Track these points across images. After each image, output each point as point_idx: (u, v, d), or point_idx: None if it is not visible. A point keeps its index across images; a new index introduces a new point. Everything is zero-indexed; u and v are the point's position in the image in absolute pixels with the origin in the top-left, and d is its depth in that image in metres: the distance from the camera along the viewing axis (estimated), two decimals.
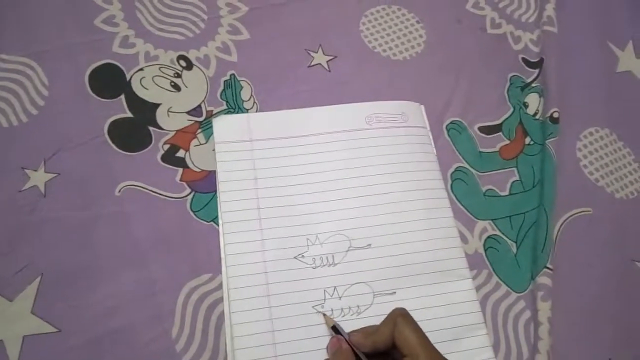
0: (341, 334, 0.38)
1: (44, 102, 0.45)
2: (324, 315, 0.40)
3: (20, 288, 0.38)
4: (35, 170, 0.43)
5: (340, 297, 0.41)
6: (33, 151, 0.43)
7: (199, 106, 0.48)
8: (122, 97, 0.47)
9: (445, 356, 0.34)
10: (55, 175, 0.43)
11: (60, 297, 0.39)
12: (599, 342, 0.44)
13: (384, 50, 0.54)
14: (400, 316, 0.35)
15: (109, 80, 0.47)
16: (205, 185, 0.44)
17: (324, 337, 0.39)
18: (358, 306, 0.41)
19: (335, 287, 0.41)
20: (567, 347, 0.43)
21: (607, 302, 0.45)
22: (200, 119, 0.47)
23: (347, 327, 0.39)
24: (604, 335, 0.44)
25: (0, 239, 0.40)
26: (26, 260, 0.39)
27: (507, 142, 0.52)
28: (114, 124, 0.46)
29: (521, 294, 0.44)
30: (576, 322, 0.44)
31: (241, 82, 0.50)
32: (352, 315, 0.40)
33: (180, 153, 0.46)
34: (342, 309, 0.40)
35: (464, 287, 0.43)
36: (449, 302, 0.42)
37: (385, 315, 0.37)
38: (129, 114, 0.46)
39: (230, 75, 0.50)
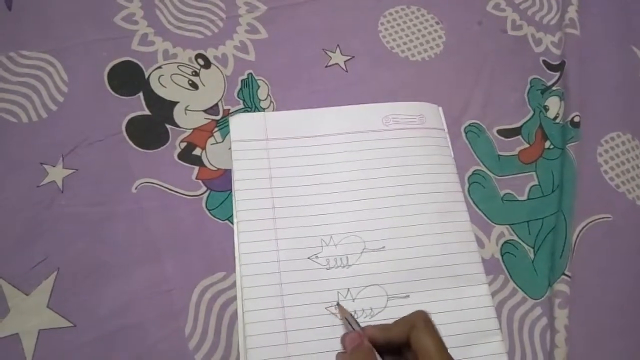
0: (354, 328, 0.37)
1: (63, 99, 0.46)
2: (340, 305, 0.39)
3: (36, 282, 0.39)
4: (54, 166, 0.43)
5: (353, 299, 0.41)
6: (51, 147, 0.44)
7: (216, 105, 0.48)
8: (141, 94, 0.47)
9: None
10: (73, 171, 0.43)
11: (76, 292, 0.39)
12: (616, 350, 0.43)
13: (402, 51, 0.54)
14: (422, 319, 0.34)
15: (128, 78, 0.48)
16: (220, 184, 0.44)
17: (337, 339, 0.38)
18: (371, 308, 0.41)
19: (348, 289, 0.41)
20: (584, 356, 0.42)
21: (625, 311, 0.44)
22: (217, 118, 0.47)
23: None
24: (622, 345, 0.43)
25: (17, 233, 0.40)
26: (43, 255, 0.40)
27: (527, 145, 0.51)
28: (131, 122, 0.46)
29: (538, 300, 0.44)
30: (594, 331, 0.43)
31: (258, 81, 0.50)
32: (365, 317, 0.40)
33: (197, 151, 0.46)
34: (355, 310, 0.40)
35: (479, 292, 0.42)
36: (464, 307, 0.41)
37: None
38: (147, 112, 0.47)
39: (248, 75, 0.50)
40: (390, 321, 0.37)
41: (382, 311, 0.40)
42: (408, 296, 0.41)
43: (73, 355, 0.37)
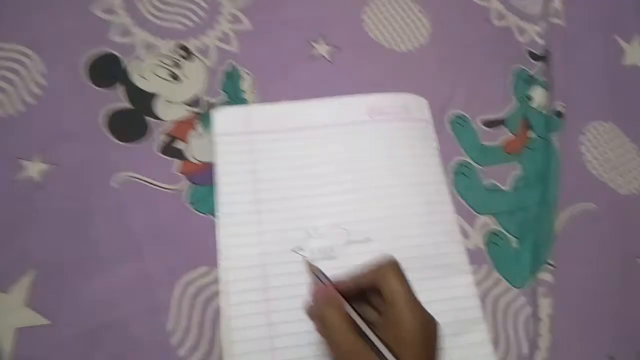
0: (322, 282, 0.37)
1: (41, 92, 0.45)
2: (307, 262, 0.39)
3: (14, 280, 0.38)
4: (31, 161, 0.42)
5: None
6: (29, 141, 0.43)
7: (198, 97, 0.47)
8: (120, 86, 0.46)
9: (445, 351, 0.33)
10: (52, 165, 0.42)
11: (55, 289, 0.38)
12: (600, 339, 0.43)
13: (387, 42, 0.54)
14: (388, 264, 0.34)
15: (107, 70, 0.47)
16: (202, 178, 0.44)
17: None
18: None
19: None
20: (567, 344, 0.42)
21: (609, 299, 0.45)
22: (199, 110, 0.47)
23: None
24: (605, 332, 0.43)
25: None
26: (20, 252, 0.39)
27: (511, 135, 0.51)
28: (111, 114, 0.45)
29: (522, 289, 0.44)
30: (577, 319, 0.43)
31: (241, 72, 0.49)
32: None
33: (179, 144, 0.45)
34: None
35: (464, 282, 0.43)
36: (448, 297, 0.42)
37: None
38: (127, 104, 0.46)
39: (231, 66, 0.49)
40: None
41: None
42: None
43: (53, 353, 0.36)
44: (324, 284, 0.36)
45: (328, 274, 0.40)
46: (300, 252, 0.41)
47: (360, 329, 0.33)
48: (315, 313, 0.35)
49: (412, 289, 0.33)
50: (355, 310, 0.34)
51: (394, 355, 0.31)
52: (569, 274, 0.45)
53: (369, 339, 0.32)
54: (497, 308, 0.43)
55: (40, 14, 0.48)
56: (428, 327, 0.32)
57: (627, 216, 0.49)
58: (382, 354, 0.31)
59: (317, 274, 0.38)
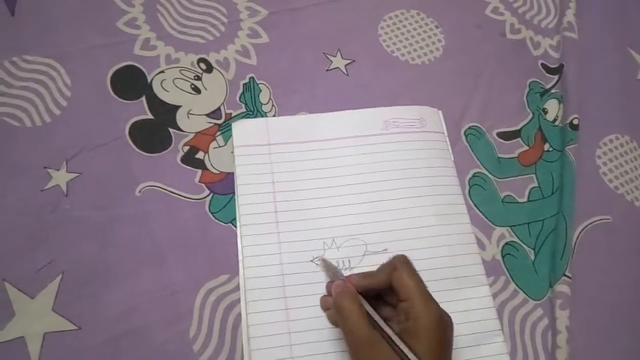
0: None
1: (66, 103, 0.46)
2: (324, 259, 0.40)
3: (41, 286, 0.39)
4: (58, 170, 0.43)
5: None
6: (55, 151, 0.44)
7: (219, 109, 0.48)
8: (143, 98, 0.48)
9: None
10: (77, 175, 0.43)
11: (81, 295, 0.39)
12: (618, 351, 0.43)
13: (402, 55, 0.54)
14: (400, 261, 0.35)
15: (131, 82, 0.48)
16: (223, 187, 0.45)
17: (340, 340, 0.39)
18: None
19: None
20: (585, 356, 0.42)
21: (626, 311, 0.45)
22: (220, 122, 0.48)
23: None
24: (623, 345, 0.43)
25: (22, 237, 0.40)
26: (48, 259, 0.40)
27: (526, 148, 0.51)
28: (134, 125, 0.46)
29: (539, 301, 0.44)
30: (594, 331, 0.43)
31: (260, 85, 0.50)
32: None
33: (200, 155, 0.46)
34: None
35: (480, 293, 0.43)
36: (465, 309, 0.42)
37: None
38: (150, 116, 0.47)
39: (250, 79, 0.50)
40: None
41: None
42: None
43: (78, 358, 0.37)
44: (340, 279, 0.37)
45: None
46: (316, 261, 0.42)
47: (375, 322, 0.33)
48: (333, 304, 0.35)
49: (424, 283, 0.34)
50: (371, 306, 0.34)
51: (409, 347, 0.31)
52: (586, 286, 0.45)
53: (385, 332, 0.32)
54: (515, 320, 0.43)
55: (66, 28, 0.50)
56: (442, 321, 0.33)
57: None
58: (397, 346, 0.31)
59: (333, 271, 0.39)
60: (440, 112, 0.51)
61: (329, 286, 0.39)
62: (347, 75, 0.52)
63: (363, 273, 0.37)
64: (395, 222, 0.44)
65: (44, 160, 0.43)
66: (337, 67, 0.53)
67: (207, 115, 0.48)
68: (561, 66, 0.56)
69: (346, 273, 0.42)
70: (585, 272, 0.45)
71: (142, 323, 0.39)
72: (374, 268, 0.42)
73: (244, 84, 0.50)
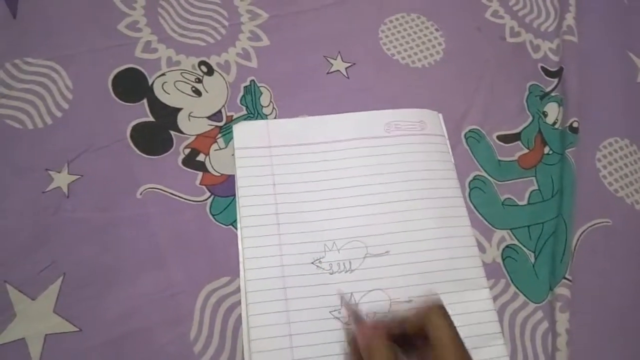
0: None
1: (68, 105, 0.46)
2: (346, 304, 0.39)
3: (42, 287, 0.39)
4: (59, 172, 0.43)
5: (356, 304, 0.41)
6: (57, 153, 0.44)
7: (219, 111, 0.49)
8: (145, 101, 0.48)
9: None
10: (79, 177, 0.43)
11: (82, 297, 0.39)
12: (618, 354, 0.43)
13: (403, 58, 0.55)
14: (434, 305, 0.34)
15: (132, 85, 0.48)
16: (224, 189, 0.45)
17: (341, 343, 0.39)
18: (375, 313, 0.41)
19: (352, 294, 0.41)
20: (585, 359, 0.42)
21: (626, 314, 0.45)
22: (221, 124, 0.48)
23: None
24: (623, 348, 0.43)
25: (23, 238, 0.41)
26: (49, 260, 0.40)
27: (526, 151, 0.51)
28: (136, 128, 0.46)
29: (539, 304, 0.44)
30: (595, 334, 0.43)
31: (261, 88, 0.50)
32: None
33: (201, 157, 0.46)
34: None
35: (481, 296, 0.43)
36: (466, 312, 0.42)
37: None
38: (151, 118, 0.47)
39: (250, 81, 0.51)
40: None
41: (385, 316, 0.41)
42: (411, 301, 0.42)
43: (79, 359, 0.37)
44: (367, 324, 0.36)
45: (346, 288, 0.41)
46: (336, 311, 0.41)
47: None
48: (362, 346, 0.34)
49: (460, 336, 0.33)
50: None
51: None
52: (586, 289, 0.45)
53: None
54: (515, 323, 0.43)
55: (68, 31, 0.50)
56: None
57: None
58: None
59: (360, 315, 0.38)
60: (440, 115, 0.51)
61: (359, 329, 0.36)
62: (348, 78, 0.53)
63: (394, 317, 0.35)
64: (396, 225, 0.44)
65: (46, 162, 0.44)
66: (338, 70, 0.53)
67: (208, 117, 0.48)
68: (561, 69, 0.56)
69: (346, 275, 0.42)
70: (585, 275, 0.45)
71: (143, 325, 0.39)
72: (375, 271, 0.42)
73: (245, 87, 0.50)
